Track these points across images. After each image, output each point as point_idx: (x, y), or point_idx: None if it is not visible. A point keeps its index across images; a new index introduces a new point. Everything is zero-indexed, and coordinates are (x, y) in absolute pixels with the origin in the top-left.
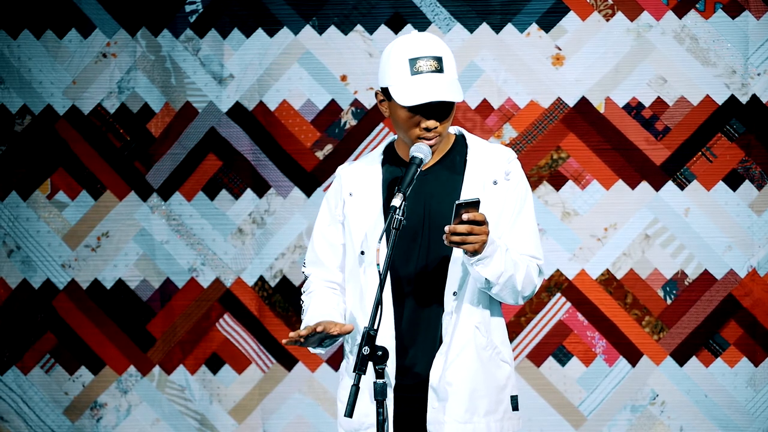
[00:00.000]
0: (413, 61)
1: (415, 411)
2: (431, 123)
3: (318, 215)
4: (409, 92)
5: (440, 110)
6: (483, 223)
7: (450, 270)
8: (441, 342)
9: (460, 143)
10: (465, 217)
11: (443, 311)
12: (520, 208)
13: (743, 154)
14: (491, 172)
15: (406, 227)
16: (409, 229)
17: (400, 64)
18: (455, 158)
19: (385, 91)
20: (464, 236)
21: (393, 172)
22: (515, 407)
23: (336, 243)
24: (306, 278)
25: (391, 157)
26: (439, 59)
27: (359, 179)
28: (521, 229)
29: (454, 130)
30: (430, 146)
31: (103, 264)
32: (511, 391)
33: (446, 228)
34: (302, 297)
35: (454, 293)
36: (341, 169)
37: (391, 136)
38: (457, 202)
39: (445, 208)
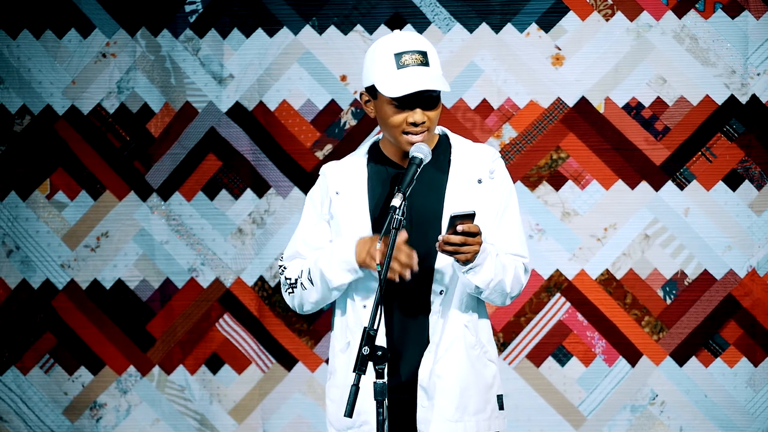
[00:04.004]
0: (399, 56)
1: (405, 412)
2: (418, 116)
3: (303, 214)
4: (396, 84)
5: (427, 103)
6: (477, 234)
7: (436, 269)
8: (429, 341)
9: (444, 143)
10: (459, 228)
11: (431, 311)
12: (505, 207)
13: (743, 154)
14: (476, 171)
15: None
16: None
17: (385, 60)
18: (439, 157)
19: (370, 90)
20: (457, 246)
21: (379, 171)
22: (501, 406)
23: (321, 244)
24: (283, 269)
25: (376, 157)
26: (423, 53)
27: (344, 178)
28: (507, 227)
29: (437, 130)
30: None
31: (102, 264)
32: (498, 391)
33: (440, 237)
34: (286, 269)
35: (441, 292)
36: (326, 168)
37: (376, 135)
38: (452, 213)
39: (430, 207)
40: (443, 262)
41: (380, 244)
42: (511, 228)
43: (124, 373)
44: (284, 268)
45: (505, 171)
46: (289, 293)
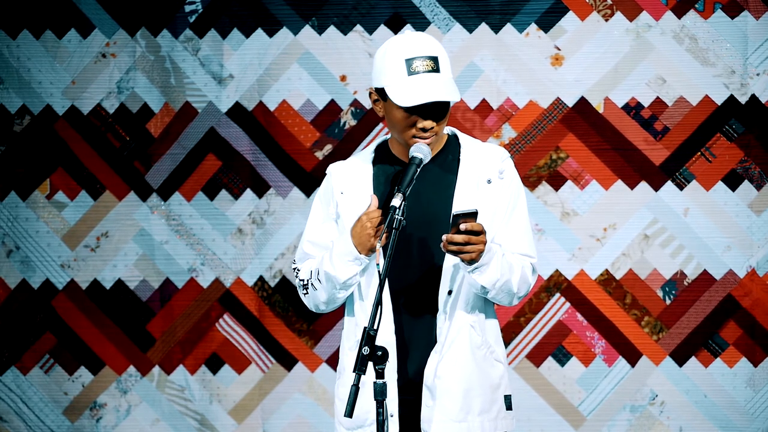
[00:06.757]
0: (409, 62)
1: (411, 412)
2: (428, 123)
3: (310, 215)
4: (407, 93)
5: (437, 110)
6: (480, 233)
7: (444, 269)
8: (436, 341)
9: (453, 143)
10: (462, 227)
11: (438, 310)
12: (513, 207)
13: (742, 154)
14: (485, 171)
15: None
16: (403, 228)
17: (396, 65)
18: (448, 157)
19: (379, 91)
20: (461, 246)
21: (385, 171)
22: (509, 407)
23: (328, 243)
24: (297, 272)
25: (383, 156)
26: (434, 59)
27: (350, 177)
28: (515, 227)
29: (447, 129)
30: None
31: (102, 264)
32: (505, 391)
33: (444, 237)
34: (300, 271)
35: (449, 292)
36: (331, 167)
37: (384, 135)
38: (454, 212)
39: (439, 207)
40: (451, 262)
41: (379, 244)
42: (519, 228)
43: (124, 373)
44: (298, 270)
45: (514, 171)
46: (305, 294)
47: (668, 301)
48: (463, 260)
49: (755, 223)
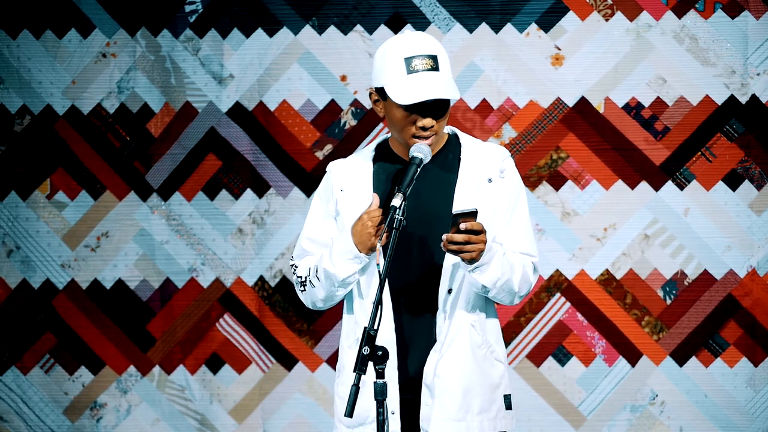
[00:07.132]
0: (409, 60)
1: (412, 411)
2: (428, 122)
3: (309, 212)
4: (406, 91)
5: (436, 109)
6: (480, 232)
7: (444, 268)
8: (436, 340)
9: (453, 142)
10: (462, 226)
11: (438, 309)
12: (514, 206)
13: (743, 154)
14: (486, 170)
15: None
16: (403, 227)
17: (395, 64)
18: (448, 156)
19: (379, 90)
20: (461, 245)
21: (385, 169)
22: (508, 406)
23: (326, 240)
24: (294, 268)
25: (384, 154)
26: (434, 57)
27: (350, 175)
28: (516, 226)
29: (447, 129)
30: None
31: (102, 264)
32: (505, 390)
33: (444, 236)
34: (297, 268)
35: (449, 291)
36: (332, 165)
37: (385, 134)
38: (454, 212)
39: (439, 206)
40: (451, 261)
41: (379, 244)
42: (520, 227)
43: (125, 373)
44: (296, 266)
45: (515, 170)
46: (302, 291)
47: (668, 301)
48: (463, 259)
49: (755, 223)
